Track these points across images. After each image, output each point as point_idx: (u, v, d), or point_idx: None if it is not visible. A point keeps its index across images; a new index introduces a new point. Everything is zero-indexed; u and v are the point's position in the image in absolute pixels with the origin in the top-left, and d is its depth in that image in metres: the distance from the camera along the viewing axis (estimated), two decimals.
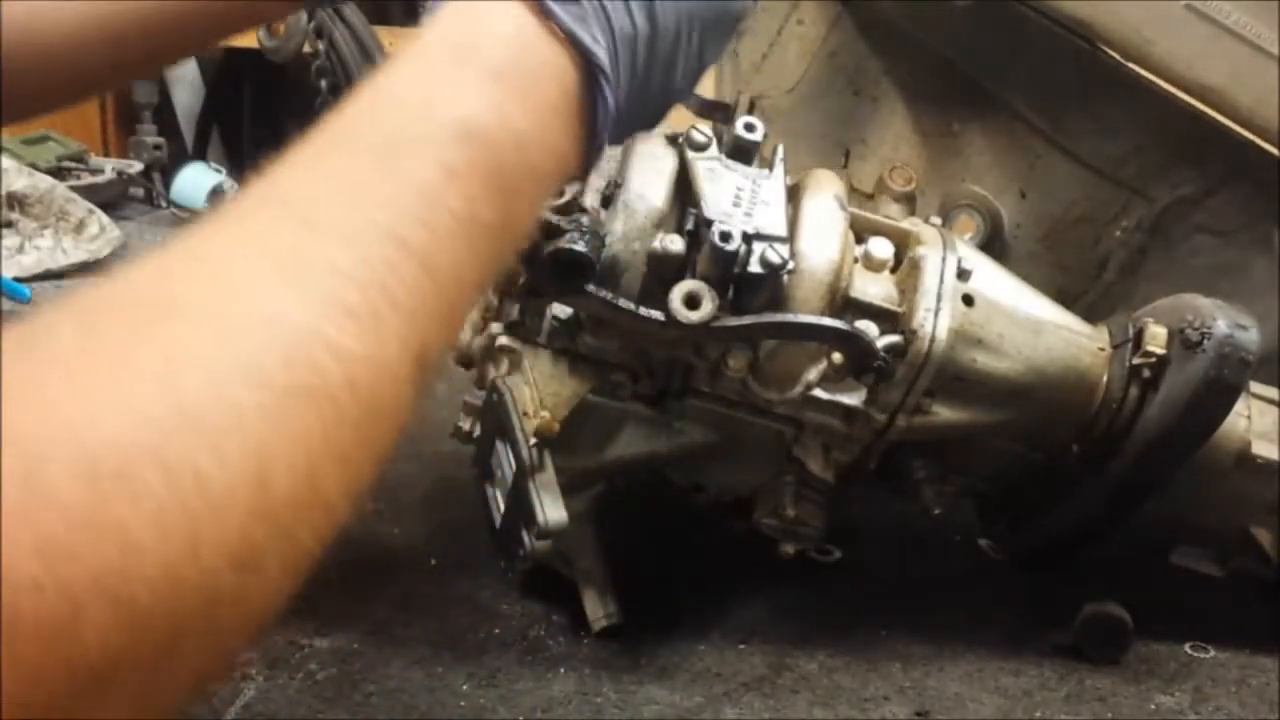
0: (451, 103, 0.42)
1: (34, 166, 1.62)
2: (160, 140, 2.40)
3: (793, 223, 0.74)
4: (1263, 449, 0.81)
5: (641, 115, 0.55)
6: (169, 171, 2.06)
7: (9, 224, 1.48)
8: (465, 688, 0.76)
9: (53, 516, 0.28)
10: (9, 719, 0.27)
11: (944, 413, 0.77)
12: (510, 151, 0.43)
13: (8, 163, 1.52)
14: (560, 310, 0.75)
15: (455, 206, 0.40)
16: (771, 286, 0.71)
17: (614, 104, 0.48)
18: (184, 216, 1.83)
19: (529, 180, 0.45)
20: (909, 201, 0.86)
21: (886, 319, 0.76)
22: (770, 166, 0.76)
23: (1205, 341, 0.75)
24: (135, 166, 1.96)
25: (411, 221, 0.39)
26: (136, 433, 0.31)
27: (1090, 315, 0.85)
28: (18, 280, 1.42)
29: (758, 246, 0.69)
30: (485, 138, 0.42)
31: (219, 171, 1.96)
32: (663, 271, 0.71)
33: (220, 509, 0.32)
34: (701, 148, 0.74)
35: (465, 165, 0.41)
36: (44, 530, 0.28)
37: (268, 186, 0.39)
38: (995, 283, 0.79)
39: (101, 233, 1.56)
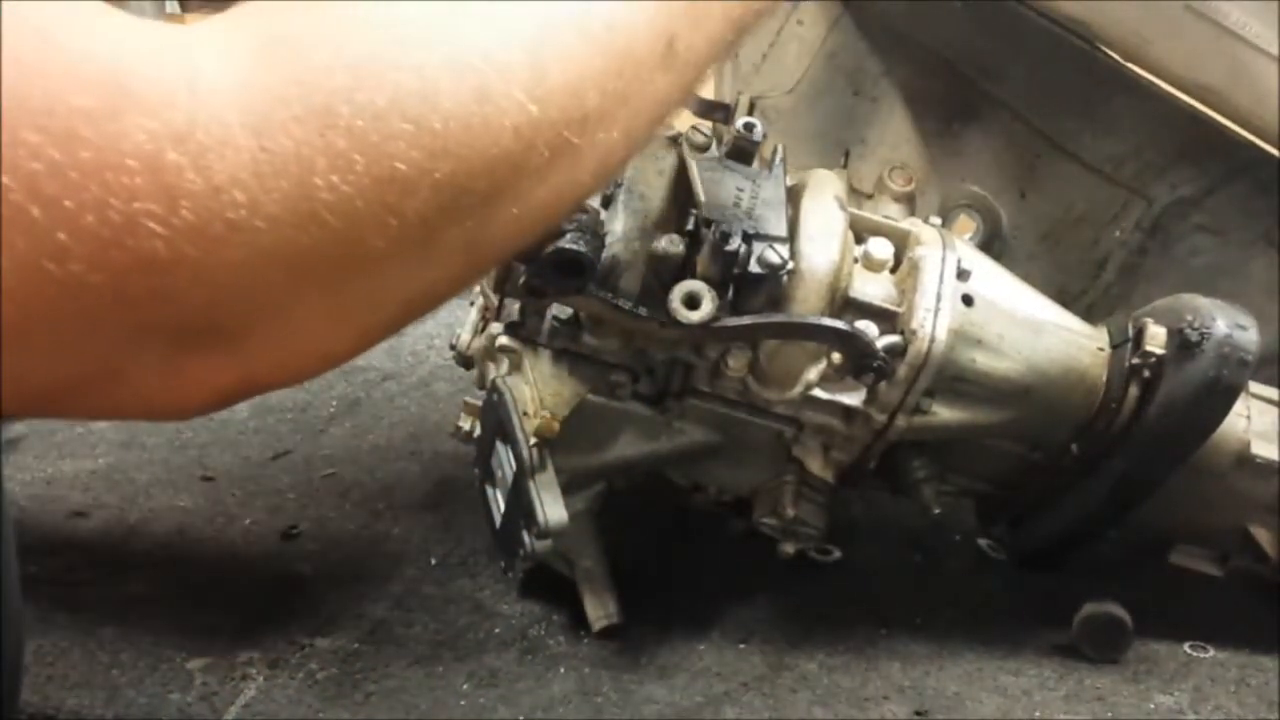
0: None
1: None
2: None
3: (793, 223, 0.74)
4: (1262, 449, 0.81)
5: None
6: None
7: None
8: (465, 687, 0.76)
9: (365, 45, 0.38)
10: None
11: (943, 413, 0.77)
12: None
13: None
14: (560, 310, 0.75)
15: None
16: (771, 287, 0.72)
17: None
18: None
19: None
20: (908, 201, 0.86)
21: (886, 319, 0.76)
22: (770, 167, 0.76)
23: (1204, 341, 0.75)
24: None
25: None
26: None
27: (1090, 315, 0.85)
28: None
29: (757, 246, 0.70)
30: None
31: None
32: (663, 271, 0.71)
33: (504, 78, 0.40)
34: (701, 148, 0.75)
35: None
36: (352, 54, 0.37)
37: None
38: (995, 283, 0.79)
39: None
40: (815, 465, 0.80)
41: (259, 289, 0.36)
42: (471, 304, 0.89)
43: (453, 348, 0.88)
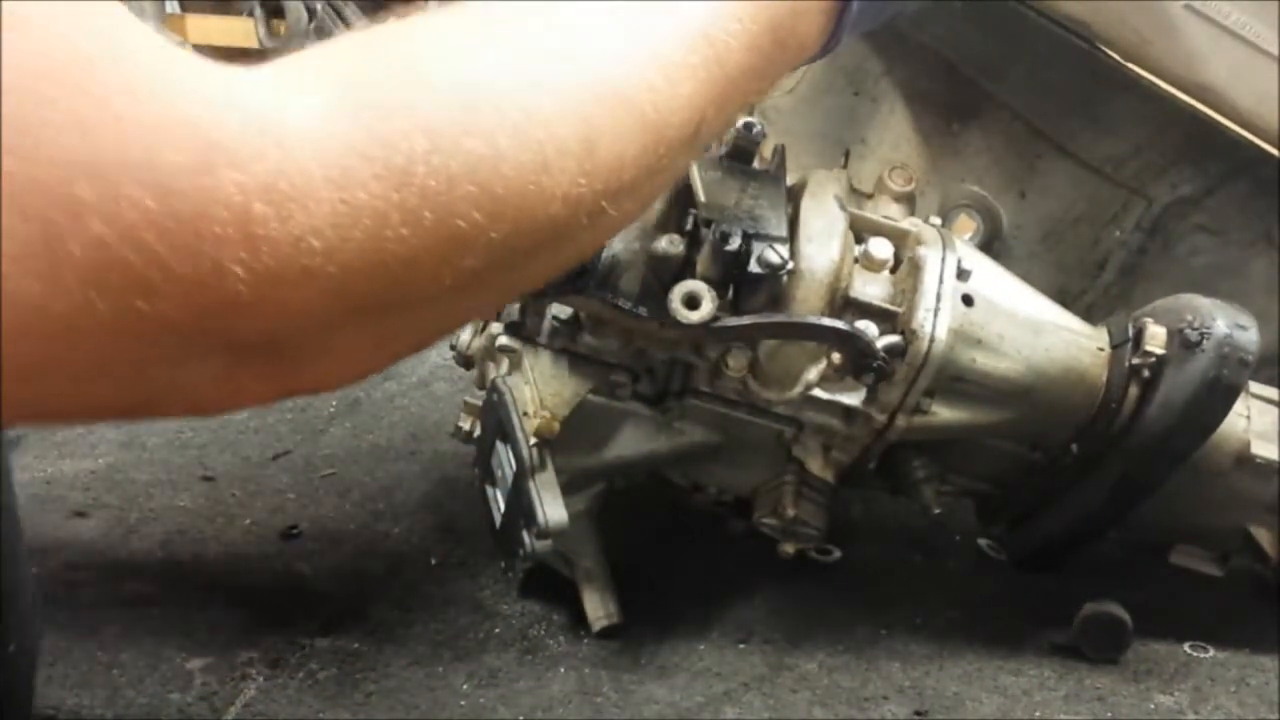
0: None
1: None
2: None
3: (793, 223, 0.74)
4: (1262, 449, 0.81)
5: (872, 19, 0.67)
6: None
7: None
8: (465, 687, 0.76)
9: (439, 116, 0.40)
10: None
11: (943, 413, 0.77)
12: (787, 15, 0.55)
13: None
14: (560, 310, 0.75)
15: (749, 29, 0.51)
16: (771, 286, 0.71)
17: (855, 10, 0.60)
18: None
19: (793, 41, 0.56)
20: (909, 201, 0.86)
21: (886, 319, 0.76)
22: (770, 167, 0.76)
23: (1204, 341, 0.75)
24: None
25: (719, 27, 0.50)
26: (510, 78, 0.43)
27: (1090, 315, 0.85)
28: None
29: (757, 246, 0.70)
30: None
31: None
32: (663, 271, 0.71)
33: (561, 152, 0.43)
34: None
35: (759, 9, 0.53)
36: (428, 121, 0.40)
37: None
38: (995, 283, 0.79)
39: None
40: (815, 465, 0.80)
41: (320, 321, 0.39)
42: None
43: (453, 348, 0.88)
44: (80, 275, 0.33)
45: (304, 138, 0.37)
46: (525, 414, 0.74)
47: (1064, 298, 0.88)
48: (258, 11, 1.55)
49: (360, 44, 0.43)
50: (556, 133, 0.43)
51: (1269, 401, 0.84)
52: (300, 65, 0.40)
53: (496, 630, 0.83)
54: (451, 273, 0.41)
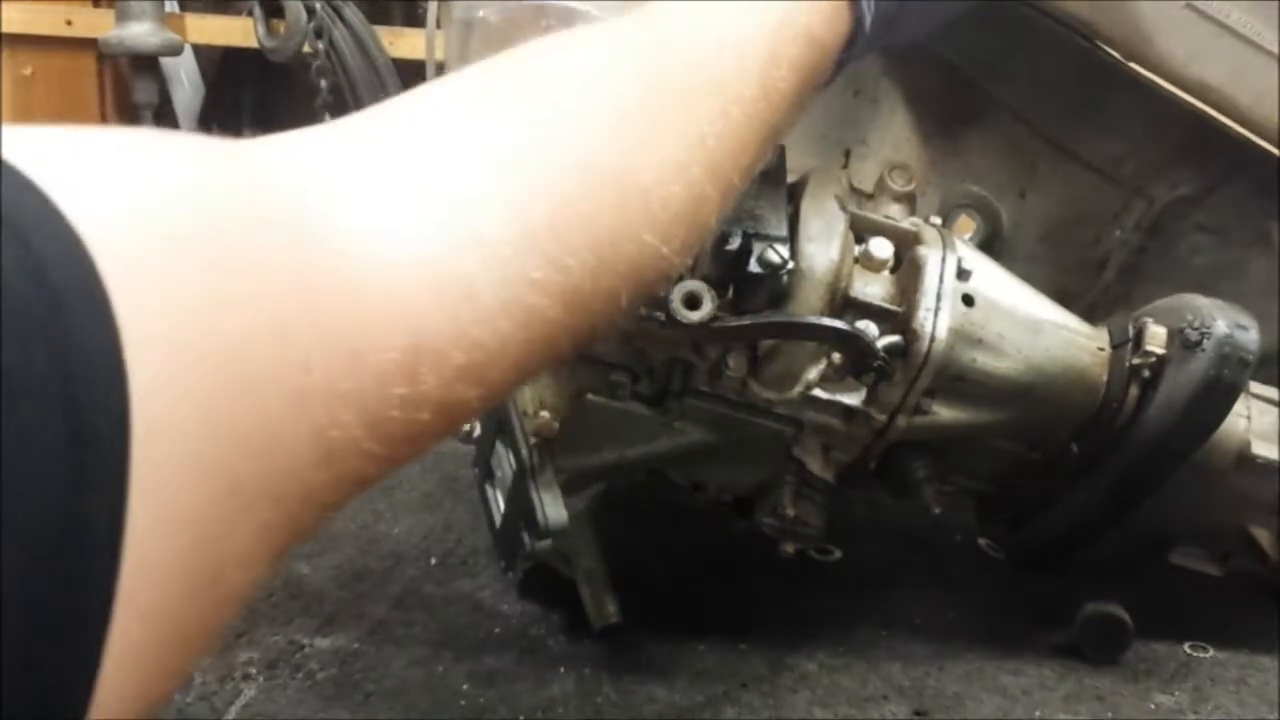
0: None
1: None
2: None
3: (793, 223, 0.74)
4: (1262, 449, 0.81)
5: (887, 37, 0.65)
6: None
7: None
8: (465, 687, 0.76)
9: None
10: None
11: (944, 412, 0.77)
12: (809, 43, 0.54)
13: None
14: None
15: (790, 77, 0.51)
16: (771, 286, 0.71)
17: (869, 28, 0.59)
18: None
19: (818, 72, 0.55)
20: (909, 201, 0.86)
21: (886, 319, 0.76)
22: (770, 167, 0.76)
23: (1205, 341, 0.75)
24: None
25: (771, 82, 0.50)
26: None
27: (1090, 315, 0.85)
28: None
29: (757, 246, 0.69)
30: (796, 30, 0.53)
31: None
32: None
33: (682, 237, 0.44)
34: None
35: (785, 45, 0.52)
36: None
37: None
38: (995, 282, 0.79)
39: None
40: (815, 465, 0.80)
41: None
42: None
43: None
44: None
45: (493, 283, 0.36)
46: (525, 414, 0.74)
47: (1064, 298, 0.88)
48: (257, 11, 1.55)
49: (480, 113, 0.40)
50: (682, 217, 0.43)
51: (1269, 401, 0.84)
52: (448, 162, 0.38)
53: (496, 630, 0.83)
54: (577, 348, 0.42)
